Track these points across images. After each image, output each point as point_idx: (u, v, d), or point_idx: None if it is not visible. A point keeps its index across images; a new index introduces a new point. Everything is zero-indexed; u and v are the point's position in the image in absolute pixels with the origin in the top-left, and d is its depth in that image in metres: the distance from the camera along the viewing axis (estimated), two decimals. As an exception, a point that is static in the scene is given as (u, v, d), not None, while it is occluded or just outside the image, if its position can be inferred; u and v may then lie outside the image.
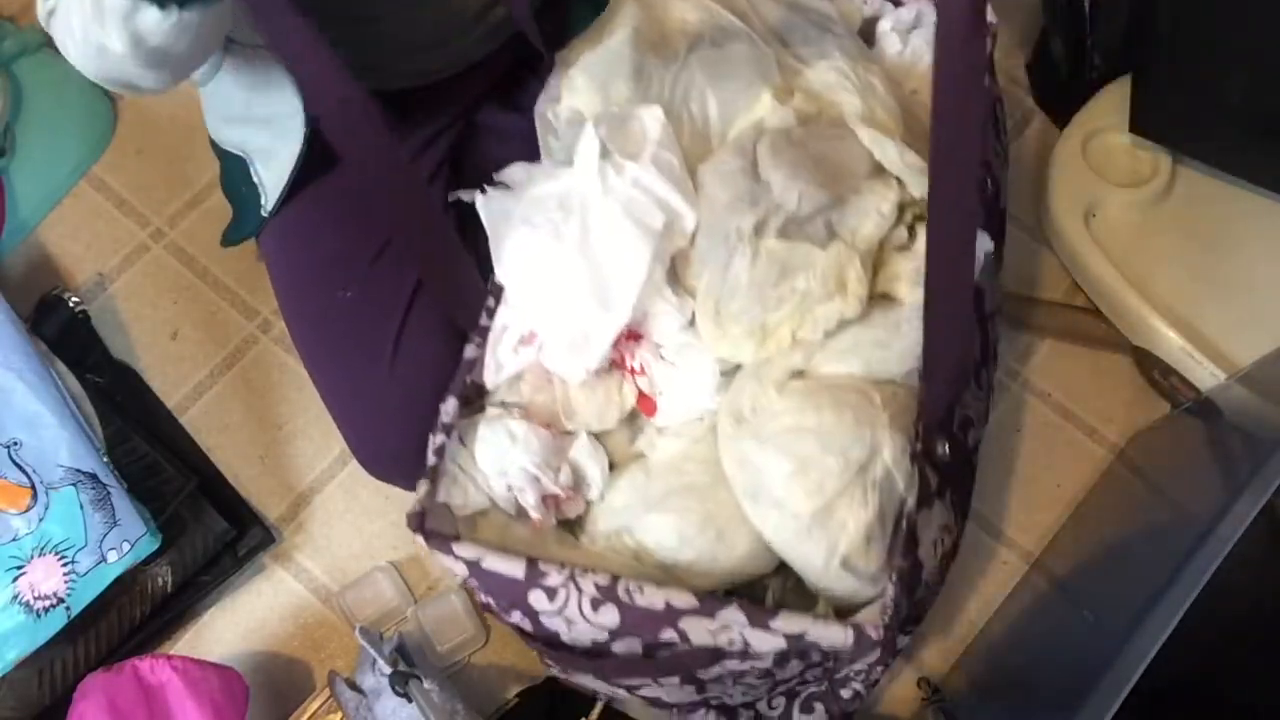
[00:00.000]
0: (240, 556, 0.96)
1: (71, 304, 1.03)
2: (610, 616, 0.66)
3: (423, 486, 0.71)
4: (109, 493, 0.88)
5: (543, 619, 0.69)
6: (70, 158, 1.12)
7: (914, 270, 0.71)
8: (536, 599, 0.68)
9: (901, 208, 0.74)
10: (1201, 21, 0.91)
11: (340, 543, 1.00)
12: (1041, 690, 0.81)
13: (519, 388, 0.75)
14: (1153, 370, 1.02)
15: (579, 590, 0.66)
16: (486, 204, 0.76)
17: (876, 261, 0.74)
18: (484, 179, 0.97)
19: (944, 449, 0.72)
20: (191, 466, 0.97)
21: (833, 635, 0.63)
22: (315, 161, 0.82)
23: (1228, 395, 0.93)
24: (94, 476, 0.88)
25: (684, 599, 0.64)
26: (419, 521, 0.69)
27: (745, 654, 0.66)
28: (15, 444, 0.88)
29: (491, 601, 0.72)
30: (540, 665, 0.95)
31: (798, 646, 0.64)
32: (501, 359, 0.75)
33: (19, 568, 0.86)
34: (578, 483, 0.74)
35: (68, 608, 0.86)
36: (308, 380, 0.93)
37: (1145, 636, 0.66)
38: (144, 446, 0.95)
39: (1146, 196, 1.00)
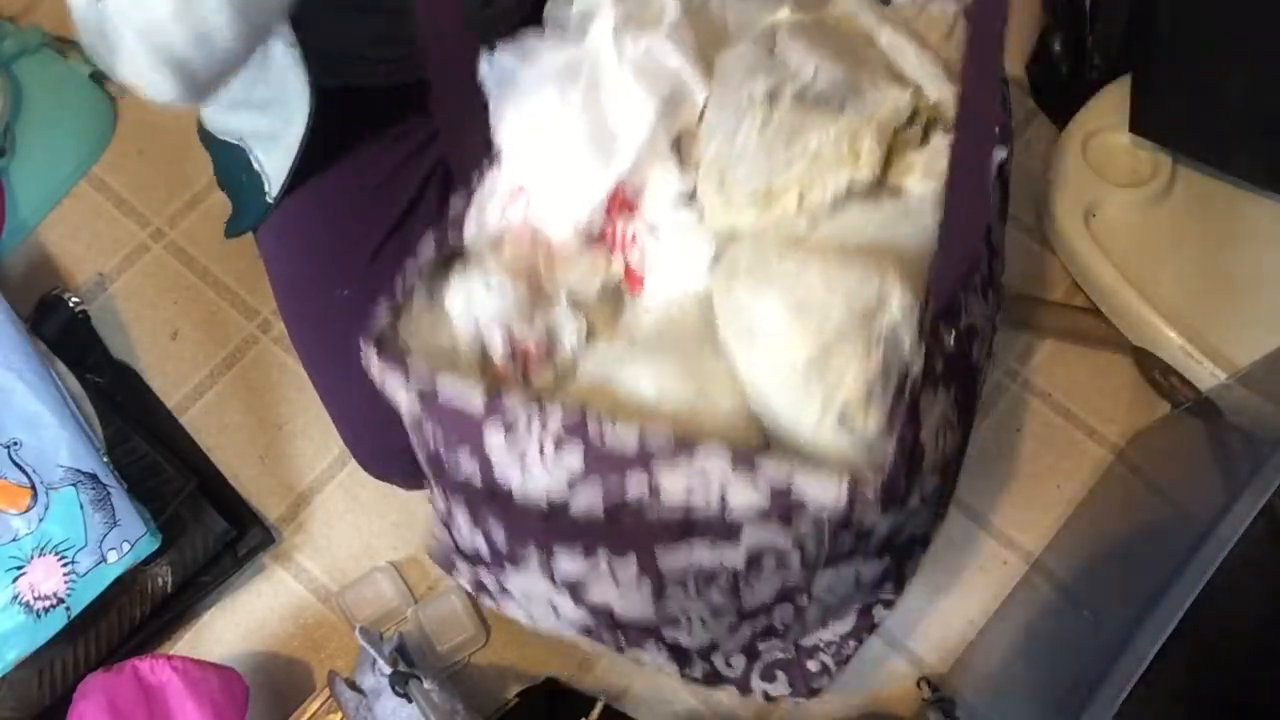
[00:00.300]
0: (240, 556, 0.96)
1: (71, 304, 1.03)
2: (574, 459, 0.59)
3: (385, 314, 0.66)
4: (109, 493, 0.88)
5: (495, 465, 0.62)
6: (70, 158, 1.12)
7: (927, 163, 0.67)
8: (492, 437, 0.60)
9: (916, 111, 0.69)
10: (1201, 21, 0.91)
11: (340, 543, 1.00)
12: (1042, 690, 0.81)
13: (500, 252, 0.69)
14: (1153, 370, 1.02)
15: (542, 425, 0.59)
16: (491, 68, 0.69)
17: (889, 151, 0.68)
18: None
19: (950, 339, 0.66)
20: (191, 466, 0.97)
21: (824, 487, 0.56)
22: (317, 148, 0.81)
23: (1228, 395, 0.93)
24: (94, 476, 0.88)
25: (660, 435, 0.57)
26: (377, 344, 0.63)
27: (721, 530, 0.60)
28: (15, 444, 0.88)
29: (440, 446, 0.64)
30: (540, 665, 0.95)
31: (782, 506, 0.58)
32: (487, 216, 0.70)
33: (19, 568, 0.86)
34: (551, 340, 0.67)
35: (68, 608, 0.86)
36: (308, 380, 0.93)
37: (1145, 636, 0.66)
38: (144, 446, 0.95)
39: (1146, 196, 1.00)
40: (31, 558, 0.86)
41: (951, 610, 0.98)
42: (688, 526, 0.60)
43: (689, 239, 0.68)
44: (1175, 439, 1.00)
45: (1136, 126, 1.00)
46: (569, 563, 0.65)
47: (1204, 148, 0.98)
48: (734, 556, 0.62)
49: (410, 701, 0.80)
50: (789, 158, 0.65)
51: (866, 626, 0.77)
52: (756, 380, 0.63)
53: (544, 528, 0.63)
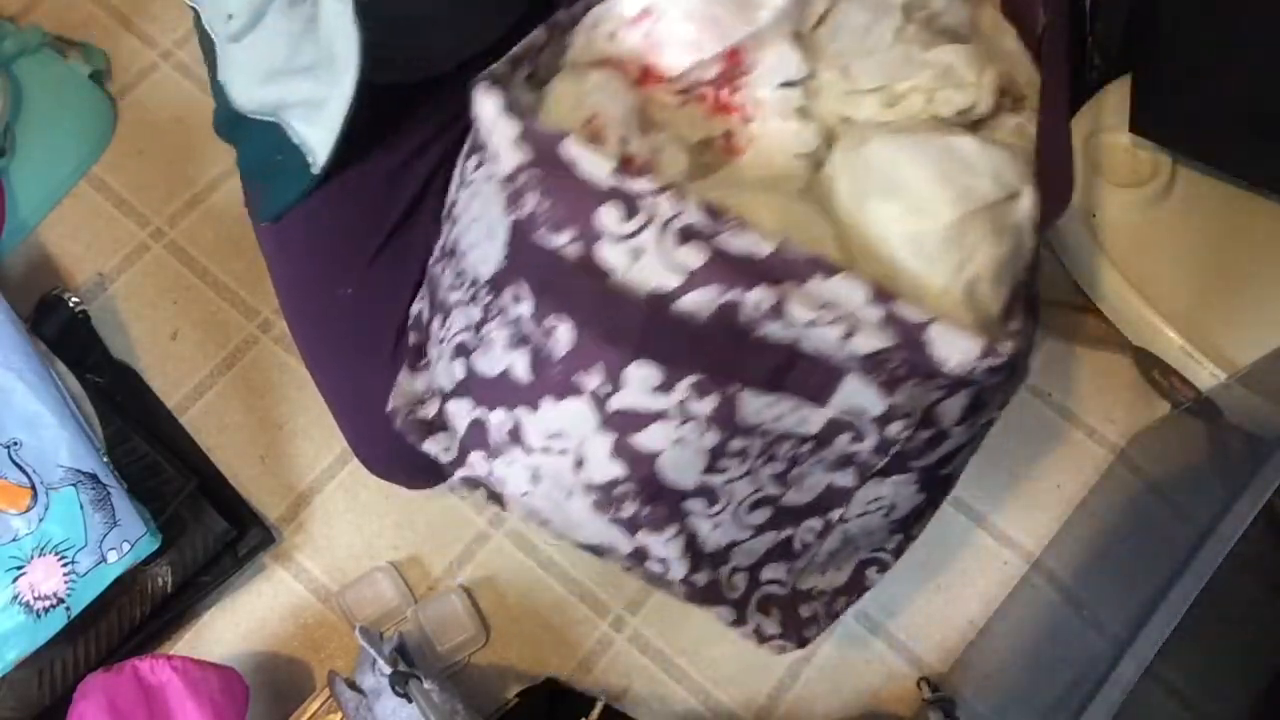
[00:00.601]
0: (240, 556, 0.96)
1: (71, 304, 1.03)
2: (695, 256, 0.53)
3: (501, 64, 0.59)
4: (109, 493, 0.88)
5: (601, 246, 0.55)
6: (70, 158, 1.12)
7: (1017, 127, 0.66)
8: (608, 215, 0.54)
9: (1004, 90, 0.68)
10: (1202, 21, 0.91)
11: (340, 543, 1.00)
12: (1042, 690, 0.81)
13: (601, 69, 0.63)
14: (1153, 370, 1.02)
15: (672, 212, 0.53)
16: None
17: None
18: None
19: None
20: (191, 466, 0.97)
21: (959, 339, 0.53)
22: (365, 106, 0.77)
23: (1228, 395, 0.93)
24: (94, 476, 0.88)
25: (800, 250, 0.52)
26: (493, 78, 0.57)
27: (813, 385, 0.55)
28: (15, 444, 0.88)
29: (536, 214, 0.56)
30: (540, 665, 0.95)
31: (903, 357, 0.54)
32: (597, 35, 0.63)
33: (19, 568, 0.86)
34: (655, 158, 0.61)
35: (68, 608, 0.86)
36: (308, 380, 0.93)
37: (1145, 636, 0.66)
38: (144, 446, 0.95)
39: (1146, 196, 1.00)
40: (31, 558, 0.86)
41: (951, 610, 0.98)
42: (784, 372, 0.56)
43: (793, 121, 0.64)
44: (1175, 439, 1.00)
45: (1136, 126, 1.00)
46: (638, 389, 0.58)
47: (1204, 148, 0.98)
48: (814, 421, 0.58)
49: (410, 701, 0.80)
50: (923, 61, 0.64)
51: (859, 586, 0.74)
52: (887, 239, 0.59)
53: (637, 326, 0.56)
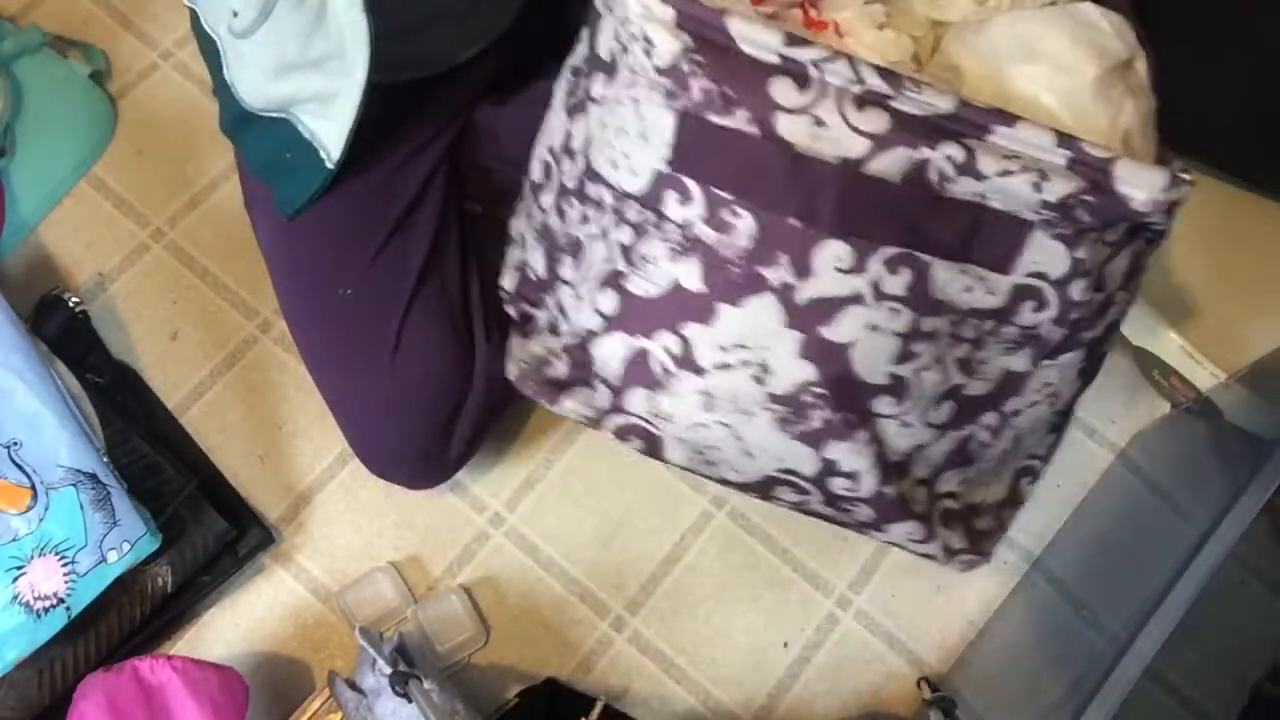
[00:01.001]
0: (240, 556, 0.96)
1: (71, 304, 1.03)
2: (879, 120, 0.52)
3: None
4: (109, 493, 0.88)
5: (780, 119, 0.53)
6: (70, 158, 1.12)
7: None
8: (781, 89, 0.52)
9: None
10: (1200, 22, 0.91)
11: (340, 543, 1.00)
12: (1042, 690, 0.81)
13: None
14: (1153, 370, 1.02)
15: (847, 79, 0.51)
16: None
17: None
18: (482, 176, 0.98)
19: None
20: (191, 466, 0.97)
21: (1146, 174, 0.55)
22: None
23: (1228, 395, 0.93)
24: (94, 476, 0.88)
25: (981, 103, 0.52)
26: None
27: (998, 248, 0.55)
28: (15, 444, 0.88)
29: (706, 98, 0.53)
30: (540, 665, 0.95)
31: (1092, 199, 0.54)
32: None
33: (19, 568, 0.86)
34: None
35: (68, 608, 0.86)
36: (308, 380, 0.93)
37: (1145, 636, 0.66)
38: (144, 446, 0.95)
39: (1146, 196, 1.00)
40: (31, 558, 0.86)
41: (951, 610, 0.98)
42: (972, 235, 0.55)
43: (883, 33, 0.63)
44: (1175, 439, 1.00)
45: (1136, 126, 1.00)
46: (827, 273, 0.56)
47: (1204, 148, 0.98)
48: (1001, 290, 0.58)
49: (410, 701, 0.80)
50: None
51: (1018, 498, 0.75)
52: (1038, 98, 0.59)
53: (831, 197, 0.54)
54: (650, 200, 0.58)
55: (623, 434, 0.67)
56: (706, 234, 0.57)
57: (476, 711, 0.86)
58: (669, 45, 0.53)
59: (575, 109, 0.62)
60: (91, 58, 1.14)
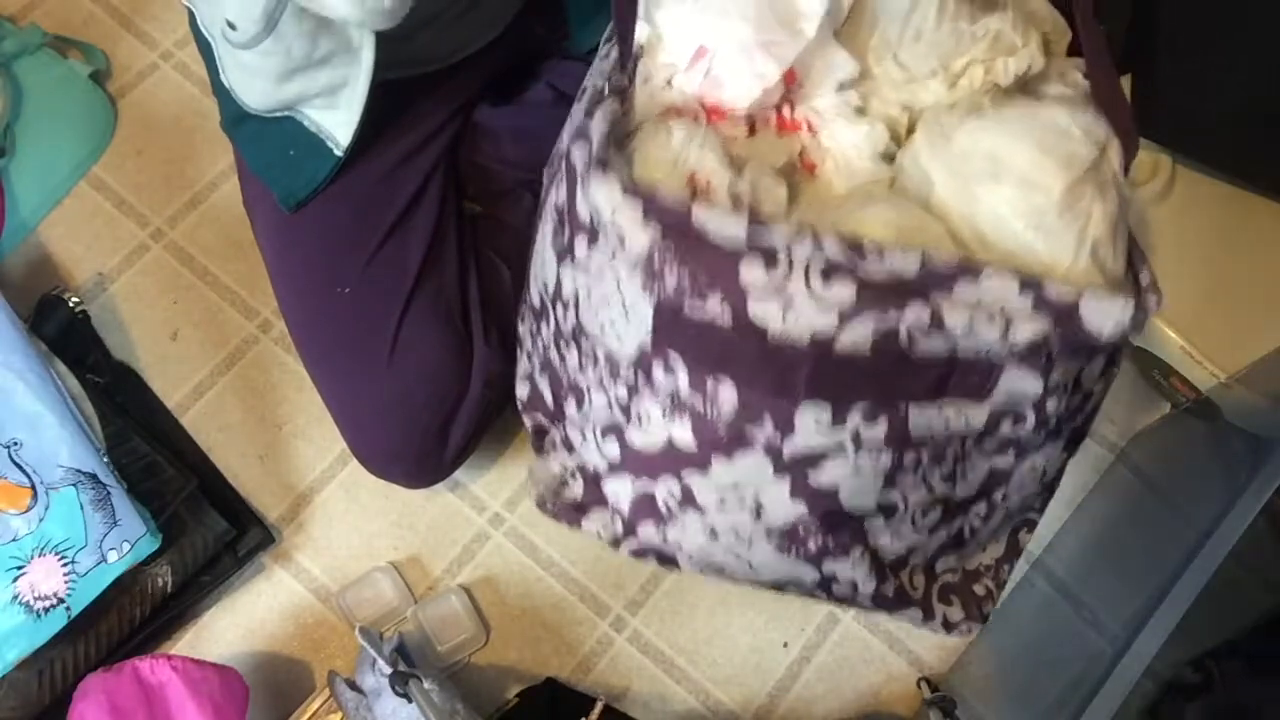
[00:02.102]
0: (240, 556, 0.96)
1: (71, 304, 1.03)
2: (846, 290, 0.53)
3: (597, 139, 0.58)
4: (109, 493, 0.88)
5: (751, 304, 0.55)
6: (70, 158, 1.12)
7: (1061, 73, 0.67)
8: (750, 272, 0.54)
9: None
10: (1202, 21, 0.91)
11: (340, 543, 1.00)
12: (1042, 690, 0.81)
13: (668, 120, 0.63)
14: (1153, 370, 1.02)
15: (810, 254, 0.53)
16: None
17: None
18: (481, 177, 0.98)
19: None
20: (191, 466, 0.97)
21: (1111, 305, 0.54)
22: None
23: (1228, 395, 0.93)
24: (94, 476, 0.88)
25: (943, 257, 0.53)
26: (603, 151, 0.56)
27: (973, 383, 0.57)
28: (15, 444, 0.88)
29: (679, 286, 0.56)
30: (540, 665, 0.95)
31: (1060, 336, 0.55)
32: (654, 86, 0.64)
33: (19, 568, 0.86)
34: (756, 197, 0.62)
35: (68, 608, 0.86)
36: (308, 380, 0.93)
37: (1145, 636, 0.66)
38: (144, 446, 0.95)
39: (1146, 196, 1.00)
40: (31, 558, 0.86)
41: (951, 610, 0.98)
42: (946, 379, 0.57)
43: (857, 124, 0.65)
44: (1175, 439, 1.00)
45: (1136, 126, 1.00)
46: (809, 431, 0.59)
47: (1204, 148, 0.98)
48: (978, 417, 0.59)
49: (410, 701, 0.80)
50: (972, 34, 0.64)
51: (1015, 551, 0.76)
52: (1003, 224, 0.59)
53: (804, 373, 0.56)
54: (639, 365, 0.61)
55: (639, 555, 0.70)
56: (692, 400, 0.60)
57: (476, 711, 0.86)
58: (640, 238, 0.55)
59: (562, 255, 0.63)
60: (91, 58, 1.15)
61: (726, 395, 0.59)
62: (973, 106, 0.65)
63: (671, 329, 0.58)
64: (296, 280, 0.90)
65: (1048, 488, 0.75)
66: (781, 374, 0.57)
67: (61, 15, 1.18)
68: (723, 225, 0.54)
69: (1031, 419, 0.61)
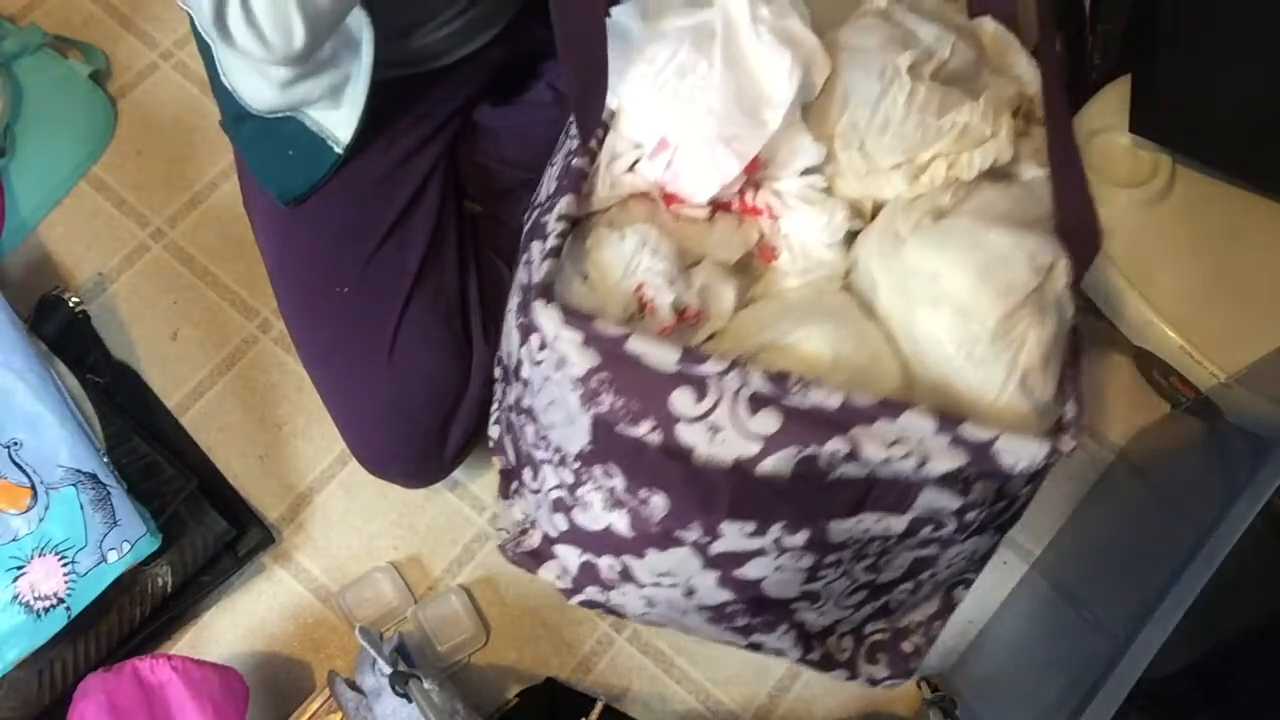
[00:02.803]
0: (240, 556, 0.96)
1: (71, 304, 1.03)
2: (769, 422, 0.56)
3: (545, 264, 0.61)
4: (109, 493, 0.88)
5: (680, 429, 0.58)
6: (70, 158, 1.12)
7: (1035, 151, 0.68)
8: (681, 400, 0.57)
9: (1019, 103, 0.71)
10: (1202, 21, 0.91)
11: (340, 543, 1.00)
12: (1042, 690, 0.81)
13: (628, 213, 0.66)
14: (1153, 370, 1.02)
15: (739, 385, 0.56)
16: (611, 24, 0.66)
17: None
18: (481, 177, 0.98)
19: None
20: (191, 466, 0.97)
21: (1026, 449, 0.56)
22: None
23: (1228, 395, 0.93)
24: (94, 476, 0.88)
25: (864, 397, 0.55)
26: (547, 291, 0.59)
27: (899, 497, 0.59)
28: (15, 444, 0.88)
29: (613, 410, 0.59)
30: (540, 665, 0.95)
31: (976, 470, 0.57)
32: (616, 175, 0.66)
33: (19, 568, 0.86)
34: (705, 303, 0.64)
35: (68, 608, 0.86)
36: (308, 380, 0.93)
37: (1145, 636, 0.66)
38: (144, 446, 0.95)
39: (1146, 196, 1.00)
40: (32, 558, 0.86)
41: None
42: (864, 498, 0.59)
43: (820, 209, 0.66)
44: (1175, 439, 1.00)
45: (1136, 126, 1.00)
46: (734, 537, 0.62)
47: (1204, 148, 0.98)
48: (898, 525, 0.61)
49: (410, 701, 0.80)
50: (936, 132, 0.65)
51: (949, 607, 0.77)
52: (937, 351, 0.61)
53: (728, 495, 0.60)
54: (583, 463, 0.64)
55: (588, 607, 0.74)
56: (629, 500, 0.63)
57: (476, 711, 0.86)
58: (580, 362, 0.58)
59: (523, 336, 0.65)
60: (91, 58, 1.15)
61: (658, 502, 0.62)
62: (933, 203, 0.65)
63: (607, 443, 0.61)
64: (296, 280, 0.90)
65: (980, 561, 0.76)
66: (706, 492, 0.59)
67: (61, 15, 1.18)
68: (656, 356, 0.56)
69: (953, 524, 0.62)
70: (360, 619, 0.95)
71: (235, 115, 0.87)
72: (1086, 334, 1.04)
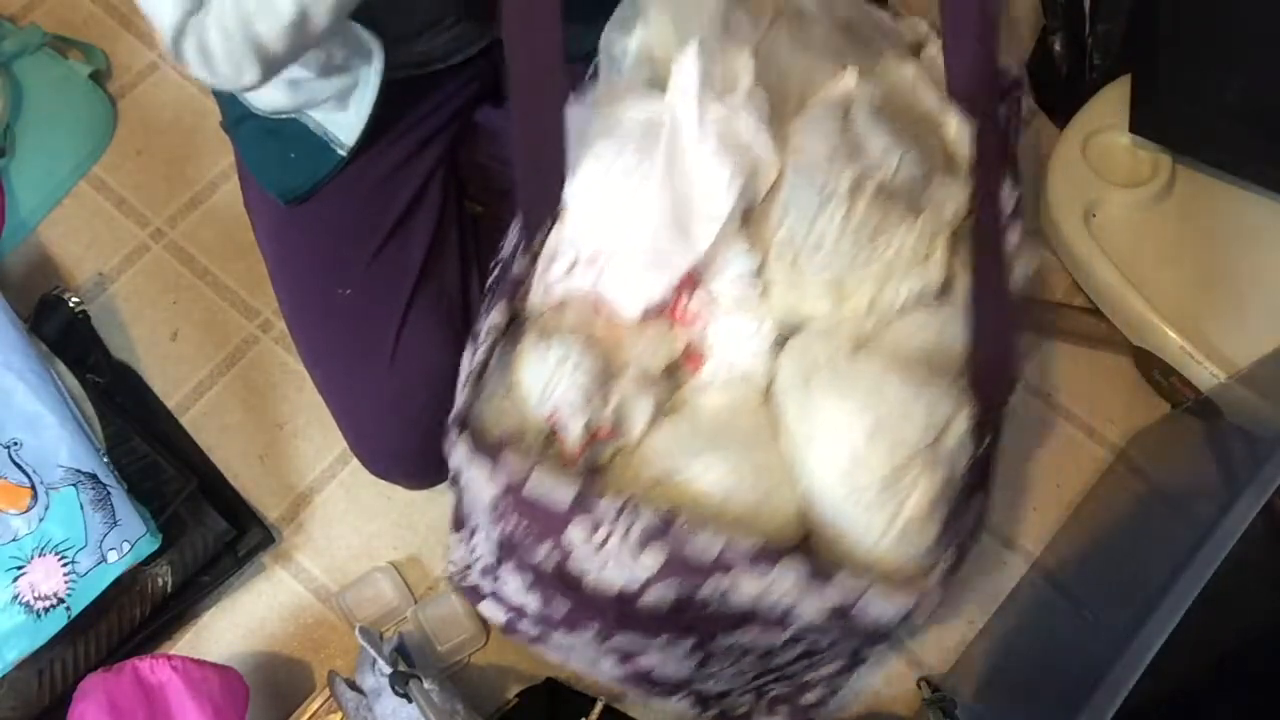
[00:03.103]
0: (240, 556, 0.96)
1: (71, 304, 1.03)
2: (655, 558, 0.61)
3: (464, 394, 0.66)
4: (109, 493, 0.88)
5: (574, 557, 0.63)
6: (70, 158, 1.12)
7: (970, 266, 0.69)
8: (576, 532, 0.62)
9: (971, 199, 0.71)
10: (1201, 21, 0.91)
11: (340, 543, 1.00)
12: (1042, 690, 0.81)
13: (564, 317, 0.69)
14: (1153, 370, 1.02)
15: (629, 524, 0.60)
16: (569, 115, 0.68)
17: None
18: (482, 177, 0.98)
19: (984, 443, 0.69)
20: (191, 466, 0.97)
21: (892, 603, 0.60)
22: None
23: (1228, 395, 0.93)
24: (94, 477, 0.88)
25: (745, 544, 0.60)
26: (461, 422, 0.64)
27: (778, 620, 0.63)
28: (15, 444, 0.88)
29: (516, 531, 0.65)
30: (540, 665, 0.95)
31: (840, 613, 0.61)
32: (552, 280, 0.69)
33: (19, 568, 0.86)
34: (619, 420, 0.67)
35: (68, 608, 0.86)
36: (308, 380, 0.93)
37: (1145, 636, 0.66)
38: (144, 446, 0.95)
39: (1146, 196, 1.00)
40: (31, 558, 0.86)
41: (951, 610, 0.98)
42: (745, 619, 0.63)
43: (751, 317, 0.69)
44: (1175, 439, 1.00)
45: (1136, 126, 1.00)
46: (626, 640, 0.69)
47: (1204, 148, 0.98)
48: (780, 636, 0.65)
49: (410, 701, 0.80)
50: (868, 256, 0.67)
51: (856, 662, 0.79)
52: (826, 491, 0.65)
53: (613, 615, 0.66)
54: (498, 556, 0.72)
55: (524, 644, 0.80)
56: (537, 596, 0.70)
57: (476, 711, 0.86)
58: (487, 488, 0.63)
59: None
60: (91, 58, 1.15)
61: (560, 605, 0.69)
62: (855, 330, 0.67)
63: (512, 555, 0.68)
64: (297, 281, 0.90)
65: (880, 639, 0.78)
66: (596, 612, 0.67)
67: (61, 15, 1.18)
68: (554, 492, 0.61)
69: (836, 634, 0.66)
70: (360, 619, 0.95)
71: (237, 116, 0.87)
72: (1086, 333, 1.04)
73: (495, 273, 0.75)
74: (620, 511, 0.61)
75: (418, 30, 0.85)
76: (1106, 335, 1.03)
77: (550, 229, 0.70)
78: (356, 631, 0.83)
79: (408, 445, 0.89)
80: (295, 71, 0.78)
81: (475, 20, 0.88)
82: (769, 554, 0.60)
